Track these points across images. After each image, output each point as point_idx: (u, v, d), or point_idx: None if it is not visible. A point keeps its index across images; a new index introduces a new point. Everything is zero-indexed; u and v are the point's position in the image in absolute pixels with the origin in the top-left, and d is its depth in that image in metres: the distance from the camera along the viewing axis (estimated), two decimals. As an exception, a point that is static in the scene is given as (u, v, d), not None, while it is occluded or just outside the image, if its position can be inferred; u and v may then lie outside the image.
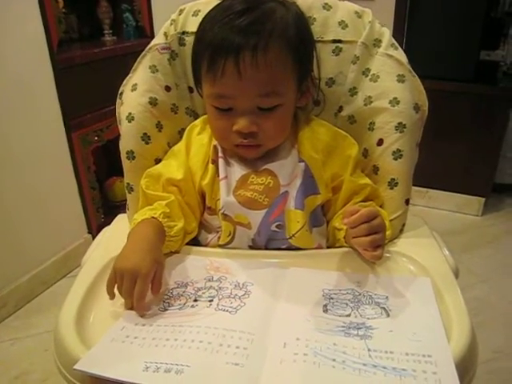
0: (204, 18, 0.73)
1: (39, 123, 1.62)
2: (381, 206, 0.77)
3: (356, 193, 0.75)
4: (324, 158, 0.75)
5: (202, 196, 0.77)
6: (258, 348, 0.53)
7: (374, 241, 0.65)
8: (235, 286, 0.65)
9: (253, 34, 0.64)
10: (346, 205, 0.75)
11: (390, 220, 0.76)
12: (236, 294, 0.63)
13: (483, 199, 2.17)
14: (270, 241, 0.74)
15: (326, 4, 0.82)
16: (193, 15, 0.84)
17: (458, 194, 2.20)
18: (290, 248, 0.74)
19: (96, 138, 1.85)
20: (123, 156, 0.80)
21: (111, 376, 0.49)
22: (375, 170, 0.79)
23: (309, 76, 0.75)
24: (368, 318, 0.58)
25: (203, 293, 0.64)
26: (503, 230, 2.06)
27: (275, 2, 0.69)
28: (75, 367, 0.51)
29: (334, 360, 0.51)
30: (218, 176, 0.74)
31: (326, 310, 0.60)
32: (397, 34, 2.06)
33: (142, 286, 0.59)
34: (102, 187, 2.01)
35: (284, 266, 0.69)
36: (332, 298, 0.62)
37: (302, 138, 0.75)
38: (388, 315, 0.59)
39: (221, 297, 0.63)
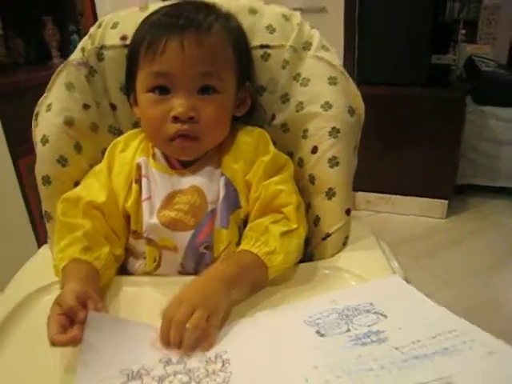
0: (140, 24, 0.71)
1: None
2: (318, 218, 0.72)
3: (268, 205, 0.68)
4: (246, 169, 0.69)
5: (128, 219, 0.70)
6: None
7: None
8: (206, 362, 0.52)
9: (196, 19, 0.66)
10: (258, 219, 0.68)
11: (330, 233, 0.71)
12: (214, 370, 0.50)
13: (446, 201, 2.17)
14: (198, 264, 0.68)
15: (252, 9, 0.78)
16: (112, 28, 0.79)
17: (422, 198, 2.20)
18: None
19: (45, 164, 1.77)
20: (39, 182, 0.73)
21: None
22: (311, 179, 0.74)
23: (246, 84, 0.73)
24: (369, 325, 0.53)
25: (170, 382, 0.49)
26: (468, 231, 2.06)
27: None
28: None
29: (371, 370, 0.46)
30: None
31: (322, 335, 0.53)
32: (348, 43, 2.06)
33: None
34: (54, 215, 1.92)
35: (242, 315, 0.59)
36: (318, 324, 0.55)
37: (224, 148, 0.71)
38: (385, 316, 0.54)
39: (198, 380, 0.49)
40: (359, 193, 2.28)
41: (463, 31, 2.67)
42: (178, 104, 0.64)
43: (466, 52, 2.52)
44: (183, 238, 0.66)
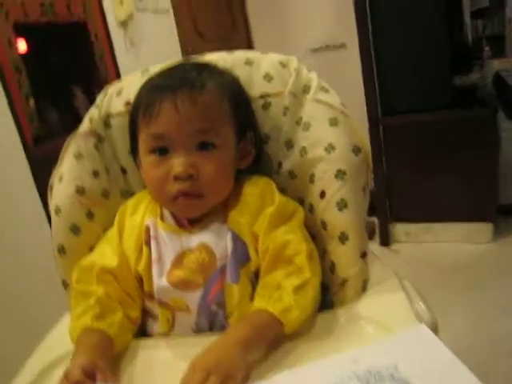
0: (139, 89, 0.74)
1: (19, 216, 1.60)
2: (333, 264, 0.69)
3: (279, 256, 0.65)
4: (253, 221, 0.68)
5: (142, 281, 0.70)
6: None
7: None
8: None
9: (189, 79, 0.67)
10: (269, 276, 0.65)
11: (347, 279, 0.68)
12: None
13: (491, 224, 2.06)
14: (212, 322, 0.66)
15: (248, 60, 0.79)
16: (116, 95, 0.81)
17: (465, 224, 2.10)
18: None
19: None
20: (54, 251, 0.75)
21: None
22: (323, 225, 0.71)
23: (247, 136, 0.73)
24: None
25: None
26: (517, 254, 1.93)
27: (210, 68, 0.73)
28: None
29: None
30: None
31: None
32: (367, 76, 2.05)
33: None
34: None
35: (259, 375, 0.56)
36: None
37: (230, 202, 0.70)
38: None
39: None
40: (398, 225, 2.20)
41: (487, 48, 2.63)
42: (176, 163, 0.65)
43: (493, 68, 2.46)
44: (194, 297, 0.65)
